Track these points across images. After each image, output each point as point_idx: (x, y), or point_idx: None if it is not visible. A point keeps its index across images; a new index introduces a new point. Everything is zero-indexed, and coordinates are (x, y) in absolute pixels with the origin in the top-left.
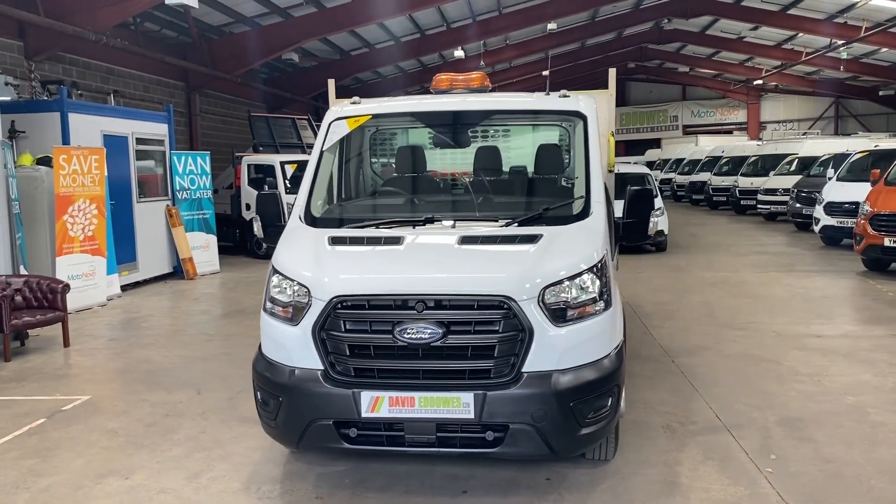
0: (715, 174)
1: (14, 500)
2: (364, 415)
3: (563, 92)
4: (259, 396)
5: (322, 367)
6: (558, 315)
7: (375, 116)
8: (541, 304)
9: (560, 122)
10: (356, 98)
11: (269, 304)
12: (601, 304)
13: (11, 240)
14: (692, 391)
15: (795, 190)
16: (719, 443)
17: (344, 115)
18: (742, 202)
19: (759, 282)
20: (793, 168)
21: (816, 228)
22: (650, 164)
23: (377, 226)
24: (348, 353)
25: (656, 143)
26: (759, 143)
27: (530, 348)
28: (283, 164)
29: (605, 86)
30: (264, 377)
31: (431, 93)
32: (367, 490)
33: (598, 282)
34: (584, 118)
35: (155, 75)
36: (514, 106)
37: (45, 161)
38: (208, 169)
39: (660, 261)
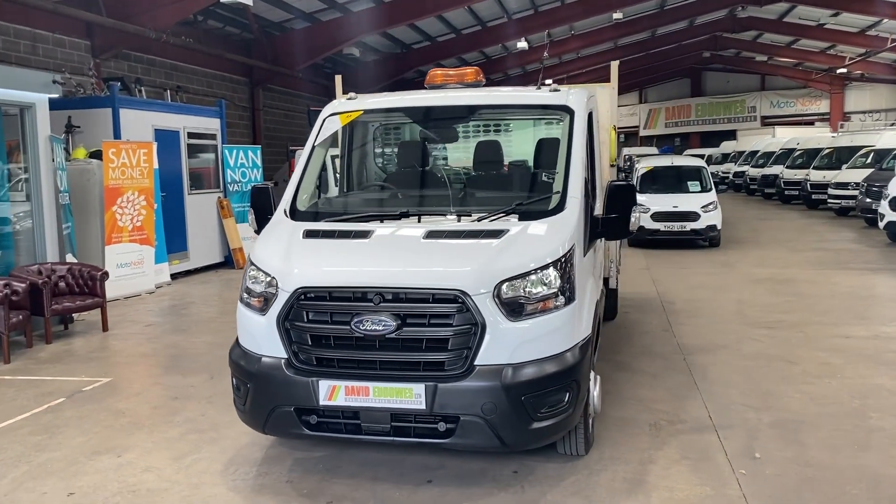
0: (787, 167)
1: (13, 472)
2: (322, 403)
3: (553, 85)
4: (233, 382)
5: (286, 356)
6: (514, 309)
7: (366, 112)
8: (496, 298)
9: (548, 116)
10: (352, 94)
11: (244, 295)
12: (562, 300)
13: (59, 229)
14: (693, 390)
15: (865, 184)
16: (702, 442)
17: (338, 110)
18: (813, 196)
19: (806, 279)
20: (868, 161)
21: (881, 224)
22: (725, 157)
23: (354, 220)
24: (310, 343)
25: (732, 135)
26: (835, 134)
27: (482, 342)
28: (333, 157)
29: (680, 76)
30: (237, 364)
31: (426, 88)
32: (337, 476)
33: (559, 277)
34: (571, 113)
35: (218, 71)
36: (500, 100)
37: (98, 155)
38: (259, 162)
39: (709, 256)
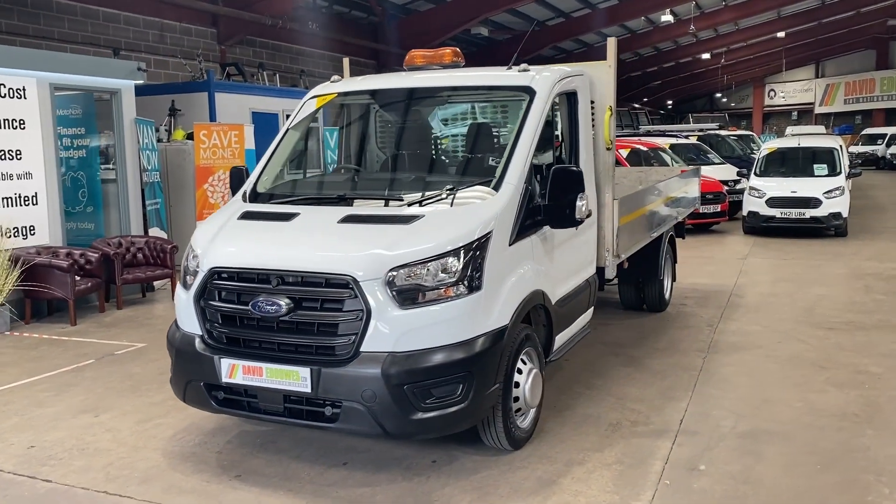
0: None
1: (3, 424)
2: (224, 380)
3: (523, 66)
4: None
5: (200, 333)
6: (407, 297)
7: (340, 95)
8: (387, 285)
9: (511, 98)
10: (336, 77)
11: (182, 272)
12: (463, 288)
13: (143, 205)
14: (686, 392)
15: None
16: (650, 448)
17: (318, 93)
18: None
19: None
20: None
21: None
22: None
23: (293, 202)
24: (219, 322)
25: None
26: None
27: (367, 329)
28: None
29: (863, 47)
30: (167, 336)
31: (405, 69)
32: (264, 451)
33: (462, 265)
34: (532, 94)
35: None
36: (464, 82)
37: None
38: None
39: (824, 247)
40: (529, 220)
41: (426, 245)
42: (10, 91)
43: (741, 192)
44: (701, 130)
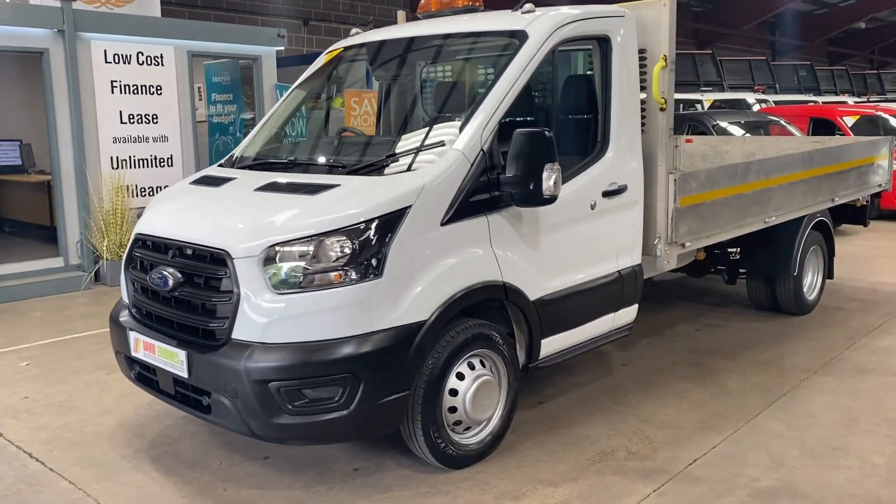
0: None
1: (33, 370)
2: (132, 354)
3: (528, 6)
4: None
5: (127, 302)
6: (282, 279)
7: (344, 49)
8: (262, 263)
9: (501, 45)
10: (355, 30)
11: None
12: (353, 274)
13: None
14: (735, 423)
15: None
16: (621, 491)
17: (331, 48)
18: None
19: None
20: None
21: None
22: None
23: (249, 167)
24: (135, 292)
25: None
26: None
27: (237, 313)
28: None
29: None
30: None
31: (420, 17)
32: (204, 433)
33: (353, 246)
34: (522, 39)
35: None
36: (454, 29)
37: None
38: None
39: None
40: (484, 194)
41: (312, 220)
42: (148, 58)
43: None
44: None
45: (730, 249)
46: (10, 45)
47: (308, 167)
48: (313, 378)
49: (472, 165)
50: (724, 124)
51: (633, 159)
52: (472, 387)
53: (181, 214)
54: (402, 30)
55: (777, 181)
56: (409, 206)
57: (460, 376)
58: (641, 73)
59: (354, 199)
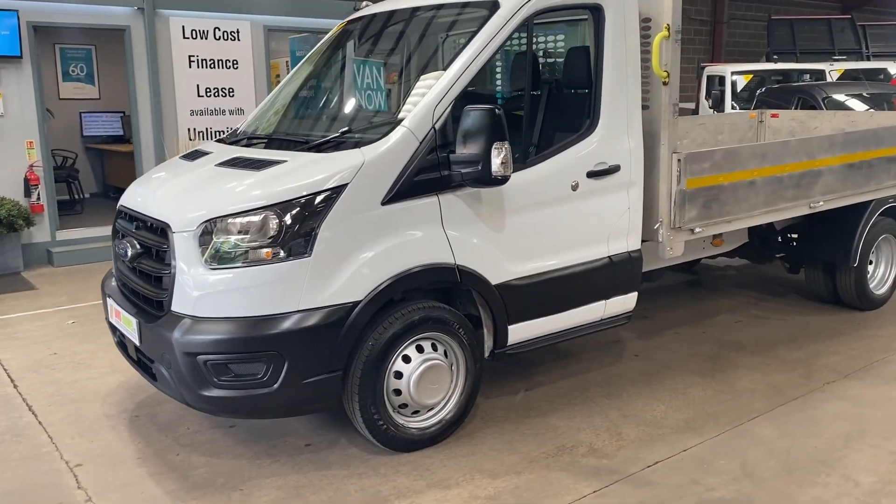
0: None
1: (82, 328)
2: (109, 319)
3: None
4: None
5: (114, 271)
6: (214, 254)
7: (348, 22)
8: (197, 238)
9: (473, 16)
10: (365, 3)
11: None
12: (282, 252)
13: None
14: (724, 426)
15: None
16: (559, 489)
17: (341, 23)
18: None
19: None
20: None
21: None
22: None
23: (235, 143)
24: (114, 260)
25: None
26: None
27: (174, 285)
28: (733, 74)
29: None
30: None
31: None
32: (166, 402)
33: (281, 223)
34: (493, 9)
35: None
36: (436, 1)
37: None
38: None
39: None
40: (434, 173)
41: (245, 196)
42: (225, 33)
43: None
44: None
45: (789, 235)
46: (96, 22)
47: (280, 143)
48: (238, 353)
49: (420, 143)
50: (840, 97)
51: (629, 137)
52: (418, 370)
53: (149, 187)
54: (391, 3)
55: (827, 162)
56: (345, 185)
57: (407, 359)
58: (646, 45)
59: (290, 176)
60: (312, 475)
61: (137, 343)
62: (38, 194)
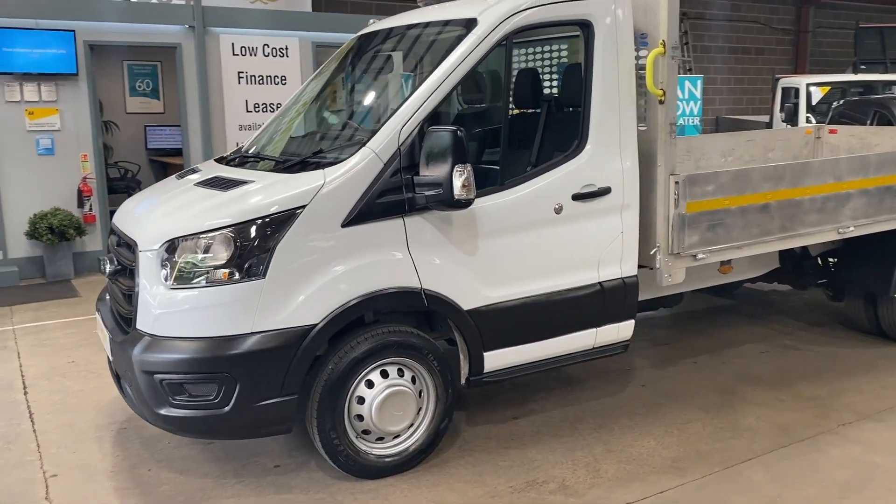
0: None
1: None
2: (98, 333)
3: None
4: None
5: None
6: (174, 274)
7: (357, 39)
8: (159, 257)
9: (453, 34)
10: (373, 19)
11: None
12: (237, 273)
13: None
14: (713, 467)
15: None
16: None
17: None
18: None
19: None
20: None
21: None
22: None
23: (228, 163)
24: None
25: None
26: None
27: (138, 303)
28: (809, 85)
29: None
30: None
31: (420, 5)
32: None
33: (235, 245)
34: (470, 27)
35: None
36: (419, 18)
37: None
38: (698, 94)
39: None
40: (398, 195)
41: (205, 217)
42: (274, 50)
43: None
44: None
45: (829, 259)
46: (149, 41)
47: (264, 162)
48: (191, 374)
49: (385, 165)
50: None
51: (622, 158)
52: (380, 396)
53: (132, 205)
54: (386, 22)
55: (857, 185)
56: (303, 207)
57: (370, 384)
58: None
59: (251, 197)
60: (271, 498)
61: (111, 358)
62: (91, 205)
